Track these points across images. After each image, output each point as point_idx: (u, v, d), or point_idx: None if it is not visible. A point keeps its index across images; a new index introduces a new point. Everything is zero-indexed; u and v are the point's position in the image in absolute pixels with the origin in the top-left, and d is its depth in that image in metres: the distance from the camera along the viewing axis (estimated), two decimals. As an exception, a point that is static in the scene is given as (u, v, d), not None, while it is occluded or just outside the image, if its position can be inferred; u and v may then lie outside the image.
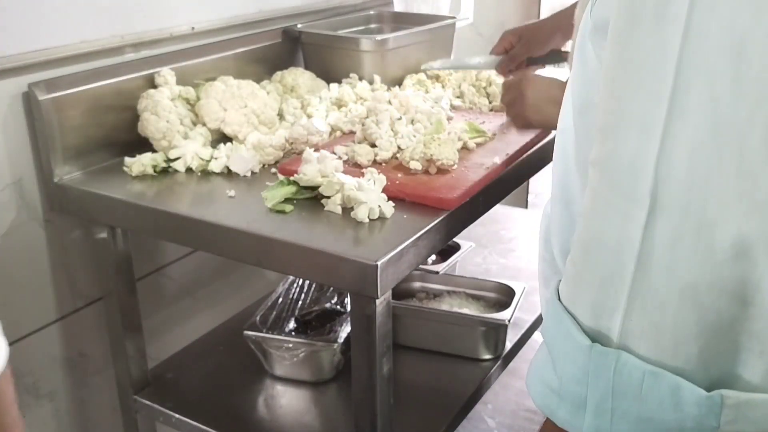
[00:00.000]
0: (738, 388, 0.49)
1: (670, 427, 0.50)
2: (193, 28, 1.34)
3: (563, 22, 1.37)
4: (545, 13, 2.90)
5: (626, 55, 0.49)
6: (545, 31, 1.39)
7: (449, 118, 1.30)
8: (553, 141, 1.27)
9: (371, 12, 1.74)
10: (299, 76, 1.42)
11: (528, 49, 1.38)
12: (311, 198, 1.03)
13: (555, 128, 1.07)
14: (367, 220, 0.95)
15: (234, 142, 1.21)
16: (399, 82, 1.49)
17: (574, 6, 1.35)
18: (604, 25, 0.58)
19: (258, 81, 1.36)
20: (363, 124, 1.21)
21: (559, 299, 0.57)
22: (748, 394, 0.49)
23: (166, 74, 1.26)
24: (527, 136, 1.22)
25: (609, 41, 0.51)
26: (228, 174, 1.14)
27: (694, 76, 0.45)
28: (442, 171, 1.07)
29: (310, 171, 1.03)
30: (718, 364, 0.50)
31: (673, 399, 0.49)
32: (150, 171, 1.13)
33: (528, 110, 1.14)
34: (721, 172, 0.45)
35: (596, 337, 0.53)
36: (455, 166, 1.08)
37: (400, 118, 1.24)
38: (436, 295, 1.47)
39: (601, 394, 0.52)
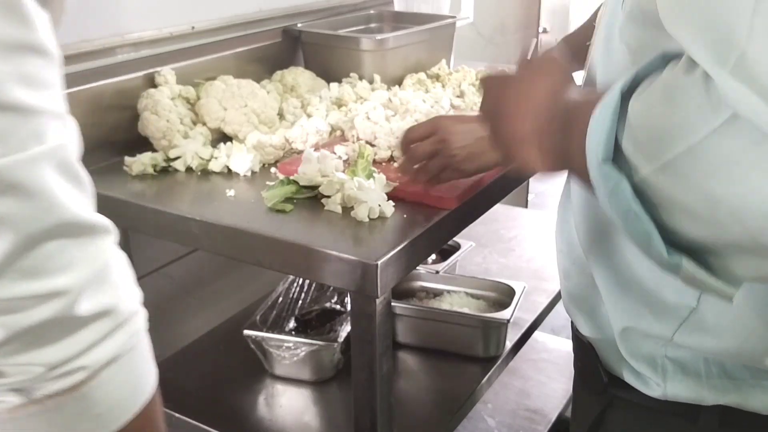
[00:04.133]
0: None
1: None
2: (193, 28, 1.34)
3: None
4: (545, 14, 2.90)
5: None
6: None
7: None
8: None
9: (371, 11, 1.74)
10: (299, 76, 1.42)
11: None
12: (311, 197, 1.02)
13: (491, 168, 0.97)
14: (367, 220, 0.95)
15: (234, 141, 1.21)
16: (399, 82, 1.49)
17: (560, 46, 1.31)
18: (640, 16, 0.59)
19: (258, 80, 1.35)
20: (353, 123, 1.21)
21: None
22: (705, 272, 0.52)
23: (166, 73, 1.26)
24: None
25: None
26: (228, 173, 1.14)
27: None
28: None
29: (310, 170, 1.03)
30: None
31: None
32: (150, 170, 1.13)
33: (461, 162, 0.95)
34: None
35: None
36: None
37: (394, 115, 1.24)
38: (436, 294, 1.47)
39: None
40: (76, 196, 0.46)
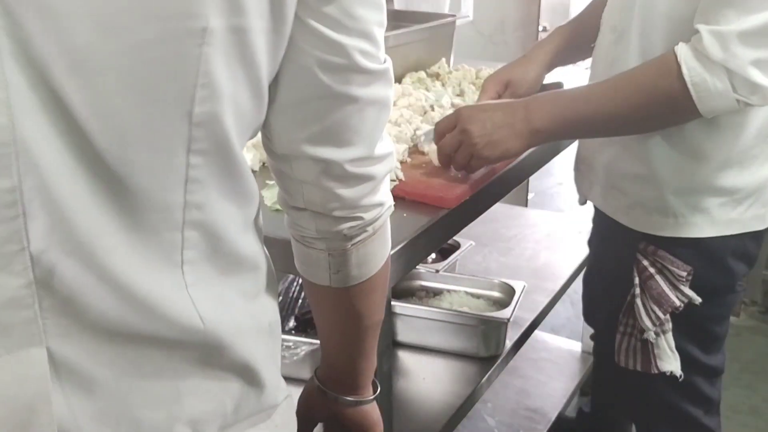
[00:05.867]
0: None
1: None
2: (192, 27, 1.34)
3: (546, 57, 1.27)
4: (545, 12, 2.90)
5: None
6: (532, 70, 1.25)
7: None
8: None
9: (371, 10, 1.73)
10: (299, 75, 1.42)
11: (518, 95, 1.21)
12: (311, 197, 1.02)
13: (515, 155, 1.05)
14: (366, 219, 0.95)
15: (233, 140, 1.21)
16: (399, 80, 1.49)
17: (553, 37, 1.32)
18: None
19: (257, 79, 1.35)
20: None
21: None
22: None
23: (166, 72, 1.26)
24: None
25: None
26: (227, 172, 1.13)
27: None
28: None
29: (309, 169, 1.03)
30: None
31: None
32: (149, 169, 1.13)
33: (483, 149, 1.01)
34: None
35: None
36: None
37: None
38: (436, 293, 1.47)
39: None
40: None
